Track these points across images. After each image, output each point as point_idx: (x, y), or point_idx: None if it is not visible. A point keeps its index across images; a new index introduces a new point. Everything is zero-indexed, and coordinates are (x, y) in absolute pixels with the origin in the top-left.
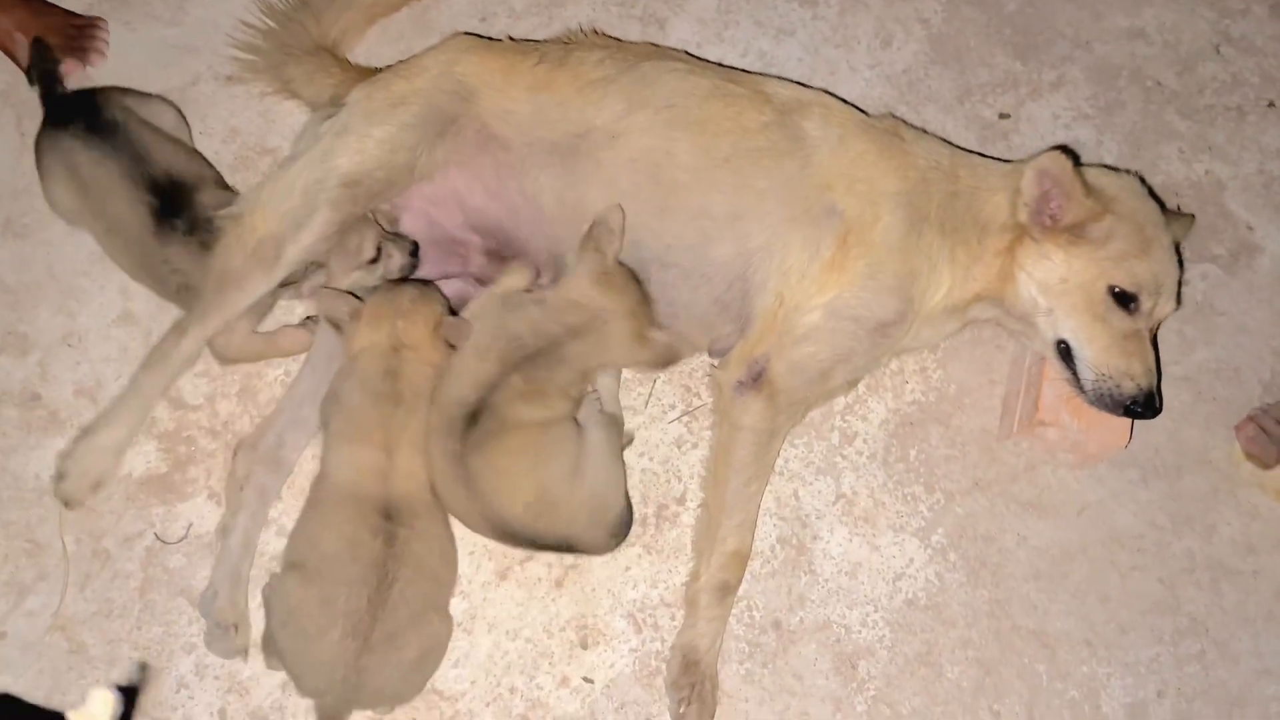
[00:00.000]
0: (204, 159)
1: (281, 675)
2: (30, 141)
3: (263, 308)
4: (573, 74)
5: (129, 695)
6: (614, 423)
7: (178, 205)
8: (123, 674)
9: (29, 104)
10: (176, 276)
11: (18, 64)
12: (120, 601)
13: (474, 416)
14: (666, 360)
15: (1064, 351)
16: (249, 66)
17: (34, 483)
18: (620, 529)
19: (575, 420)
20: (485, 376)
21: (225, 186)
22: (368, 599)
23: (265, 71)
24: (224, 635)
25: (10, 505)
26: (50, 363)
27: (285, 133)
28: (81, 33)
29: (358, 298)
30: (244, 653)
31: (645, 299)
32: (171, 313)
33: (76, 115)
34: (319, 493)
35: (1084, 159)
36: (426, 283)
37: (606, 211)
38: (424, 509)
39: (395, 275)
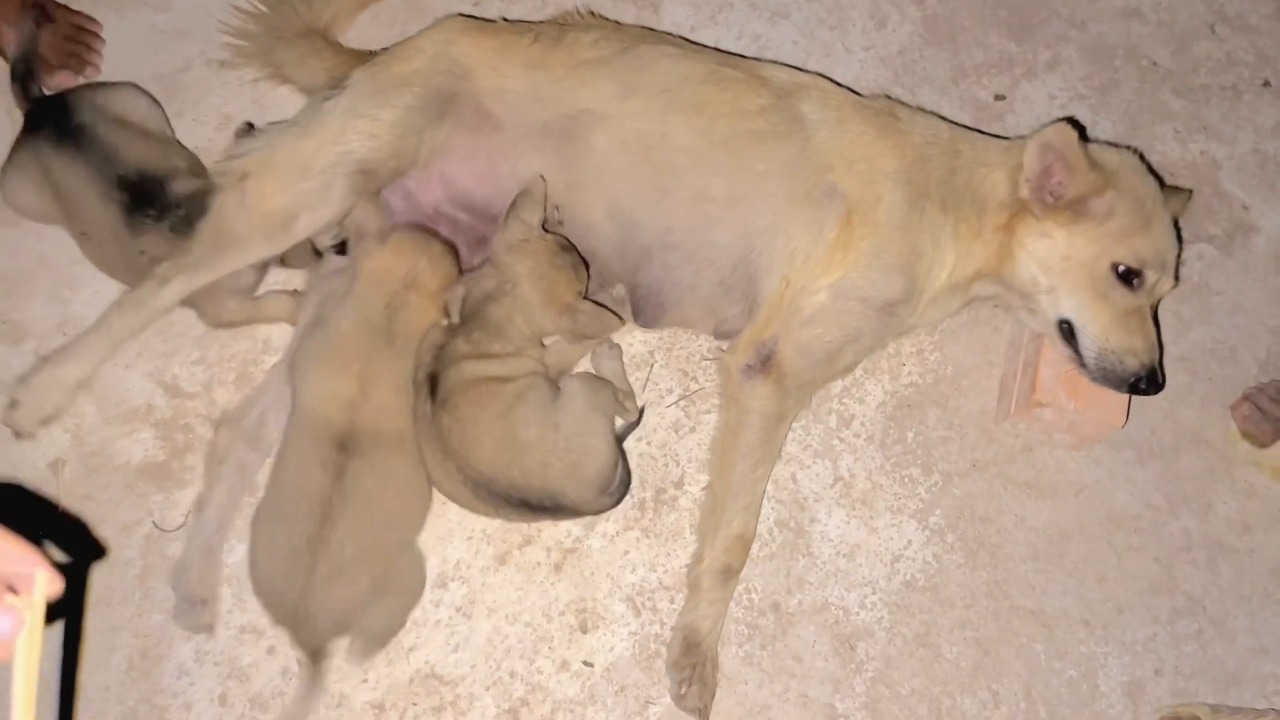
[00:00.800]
0: (178, 147)
1: (282, 661)
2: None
3: (250, 284)
4: (567, 53)
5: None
6: (597, 381)
7: (149, 197)
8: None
9: None
10: (154, 265)
11: (6, 59)
12: (120, 589)
13: (434, 378)
14: (591, 330)
15: (1066, 330)
16: (241, 51)
17: (31, 471)
18: (607, 483)
19: (549, 380)
20: (436, 339)
21: (201, 172)
22: (308, 537)
23: (257, 56)
24: (192, 609)
25: None
26: (45, 351)
27: (278, 117)
28: (79, 33)
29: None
30: (210, 628)
31: (567, 267)
32: None
33: (48, 120)
34: (288, 426)
35: None
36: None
37: (530, 181)
38: (388, 443)
39: None
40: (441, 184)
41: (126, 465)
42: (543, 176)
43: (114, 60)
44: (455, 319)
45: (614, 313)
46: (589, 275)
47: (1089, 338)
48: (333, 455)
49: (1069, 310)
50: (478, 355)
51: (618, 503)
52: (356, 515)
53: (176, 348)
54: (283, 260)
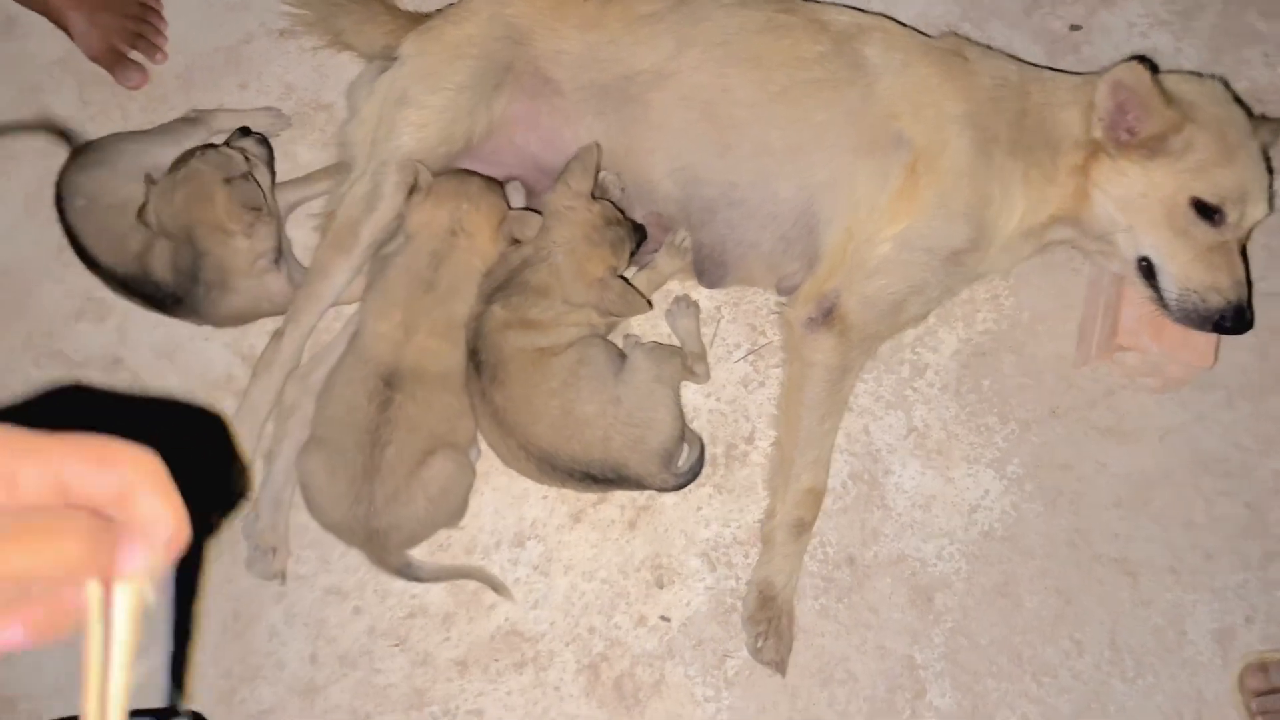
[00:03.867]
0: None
1: (368, 621)
2: (92, 111)
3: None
4: (622, 9)
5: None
6: (663, 351)
7: (161, 297)
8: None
9: (90, 71)
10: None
11: (73, 39)
12: (210, 554)
13: (475, 353)
14: (616, 309)
15: (1146, 269)
16: (300, 20)
17: None
18: (671, 456)
19: (605, 342)
20: (474, 311)
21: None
22: (362, 466)
23: (316, 24)
24: (263, 557)
25: None
26: (128, 327)
27: (339, 86)
28: (144, 11)
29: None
30: (281, 575)
31: (604, 242)
32: None
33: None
34: (339, 363)
35: (1162, 68)
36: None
37: (584, 148)
38: (431, 380)
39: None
40: (512, 151)
41: None
42: (598, 144)
43: (176, 37)
44: (529, 236)
45: (643, 296)
46: (635, 250)
47: (1169, 276)
48: (379, 388)
49: (1148, 248)
50: (519, 323)
51: (685, 484)
52: (404, 440)
53: None
54: None
